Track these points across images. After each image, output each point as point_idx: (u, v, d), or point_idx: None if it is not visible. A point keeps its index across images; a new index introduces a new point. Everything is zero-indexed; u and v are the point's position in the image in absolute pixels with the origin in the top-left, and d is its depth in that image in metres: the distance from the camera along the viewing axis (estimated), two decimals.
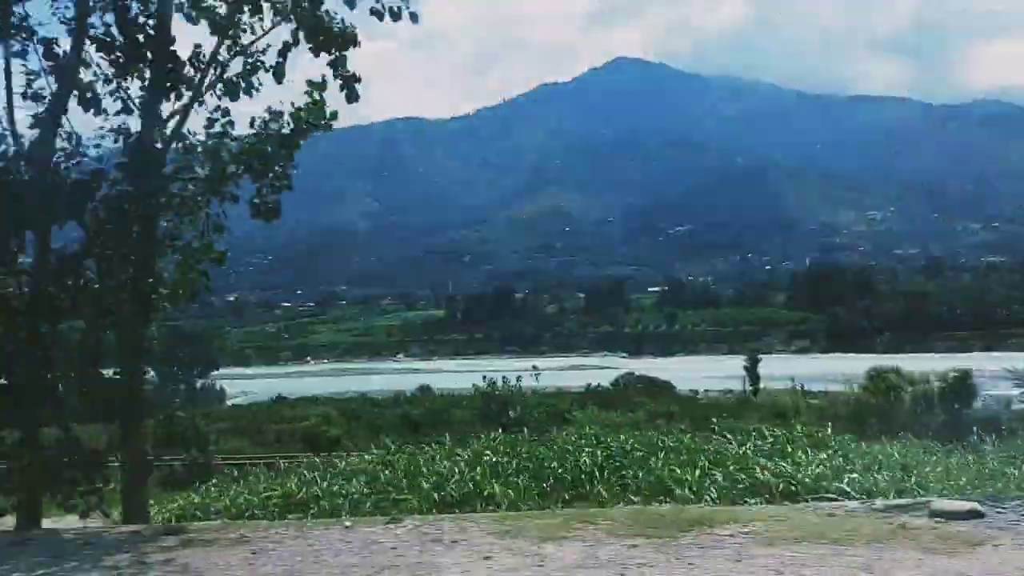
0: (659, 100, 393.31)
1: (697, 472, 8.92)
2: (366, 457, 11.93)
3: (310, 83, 8.51)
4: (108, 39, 8.13)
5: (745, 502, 7.77)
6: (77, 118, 8.26)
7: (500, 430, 13.78)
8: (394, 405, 49.91)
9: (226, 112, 8.57)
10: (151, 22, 8.16)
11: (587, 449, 10.54)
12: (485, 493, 8.84)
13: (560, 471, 9.63)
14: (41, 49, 8.04)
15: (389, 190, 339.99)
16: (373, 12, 8.43)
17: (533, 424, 18.58)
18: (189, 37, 8.44)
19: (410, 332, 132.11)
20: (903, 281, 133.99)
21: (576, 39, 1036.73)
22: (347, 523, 6.57)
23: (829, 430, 12.13)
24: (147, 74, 8.28)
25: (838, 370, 67.27)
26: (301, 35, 8.45)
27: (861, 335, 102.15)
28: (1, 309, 7.75)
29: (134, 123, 8.34)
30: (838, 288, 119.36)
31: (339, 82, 8.62)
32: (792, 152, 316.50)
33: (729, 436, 11.28)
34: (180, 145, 8.56)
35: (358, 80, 8.66)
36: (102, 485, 8.04)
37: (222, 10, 8.46)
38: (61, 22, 8.11)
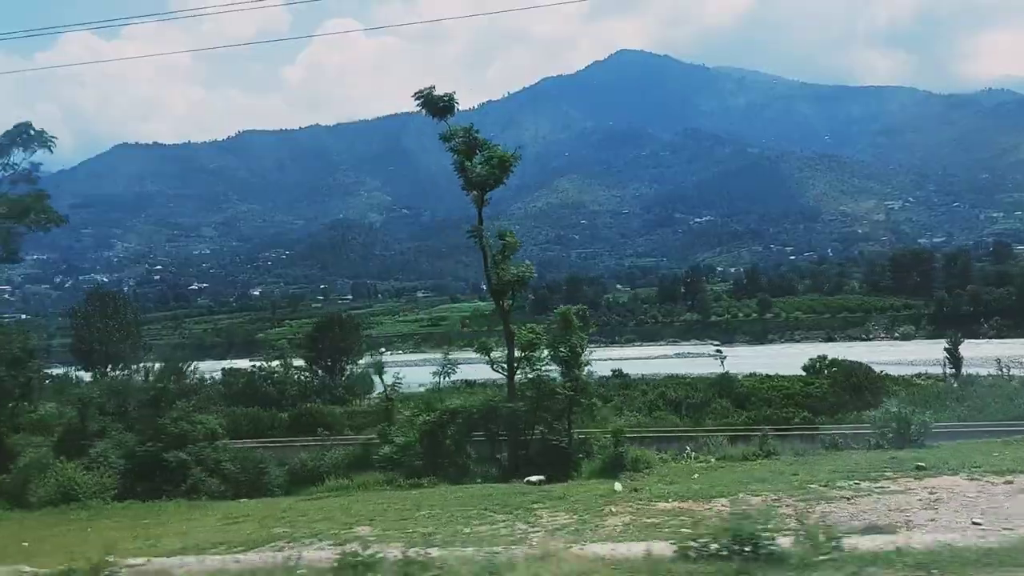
0: (663, 91, 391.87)
1: None
2: None
3: None
4: None
5: None
6: None
7: None
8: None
9: None
10: None
11: None
12: None
13: None
14: None
15: (397, 183, 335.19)
16: None
17: None
18: None
19: (484, 323, 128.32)
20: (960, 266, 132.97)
21: (577, 32, 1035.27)
22: None
23: None
24: None
25: (977, 355, 65.46)
26: None
27: (969, 320, 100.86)
28: None
29: None
30: (925, 273, 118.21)
31: None
32: (802, 142, 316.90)
33: None
34: None
35: None
36: None
37: None
38: None
